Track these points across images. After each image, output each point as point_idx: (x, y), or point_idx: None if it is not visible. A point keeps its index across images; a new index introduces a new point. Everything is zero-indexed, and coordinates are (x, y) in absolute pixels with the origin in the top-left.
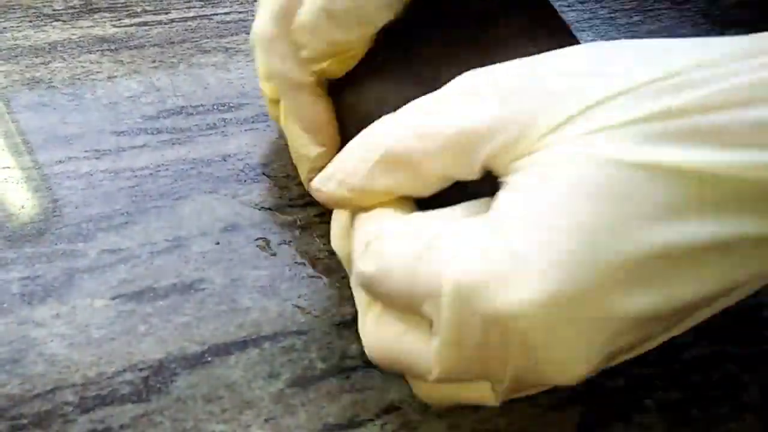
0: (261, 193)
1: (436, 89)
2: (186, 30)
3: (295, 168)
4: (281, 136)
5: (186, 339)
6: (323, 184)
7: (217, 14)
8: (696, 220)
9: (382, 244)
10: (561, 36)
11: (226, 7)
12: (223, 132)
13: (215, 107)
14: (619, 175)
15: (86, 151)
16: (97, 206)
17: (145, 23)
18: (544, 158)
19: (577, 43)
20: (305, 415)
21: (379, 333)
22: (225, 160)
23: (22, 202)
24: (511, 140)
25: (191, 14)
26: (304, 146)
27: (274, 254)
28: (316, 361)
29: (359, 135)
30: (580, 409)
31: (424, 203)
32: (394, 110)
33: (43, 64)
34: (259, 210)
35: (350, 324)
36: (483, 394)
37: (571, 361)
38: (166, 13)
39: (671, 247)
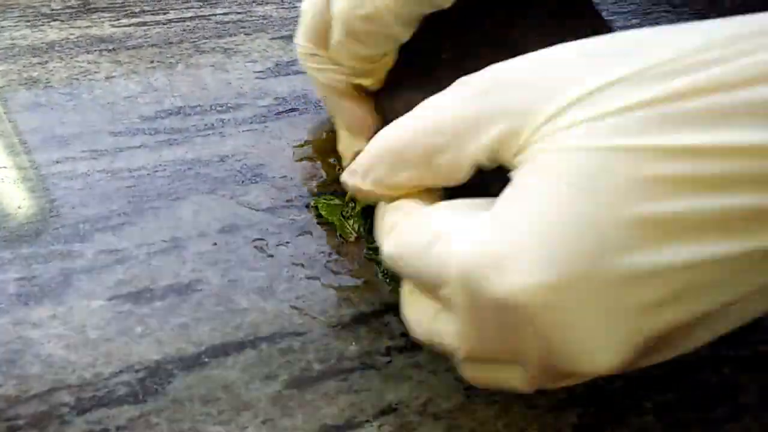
0: (258, 194)
1: None
2: (184, 30)
3: (293, 168)
4: (279, 137)
5: (183, 340)
6: (350, 178)
7: (215, 14)
8: (706, 196)
9: (399, 231)
10: (591, 19)
11: (225, 7)
12: (221, 132)
13: (213, 108)
14: (609, 160)
15: (83, 152)
16: (94, 207)
17: (143, 23)
18: (538, 151)
19: (607, 24)
20: (302, 416)
21: (416, 314)
22: (223, 161)
23: (19, 202)
24: (508, 132)
25: (189, 14)
26: (346, 145)
27: (271, 255)
28: (313, 362)
29: (376, 136)
30: (577, 410)
31: (452, 190)
32: None
33: (40, 63)
34: (257, 211)
35: (348, 325)
36: (517, 379)
37: (595, 349)
38: (165, 14)
39: (674, 220)
